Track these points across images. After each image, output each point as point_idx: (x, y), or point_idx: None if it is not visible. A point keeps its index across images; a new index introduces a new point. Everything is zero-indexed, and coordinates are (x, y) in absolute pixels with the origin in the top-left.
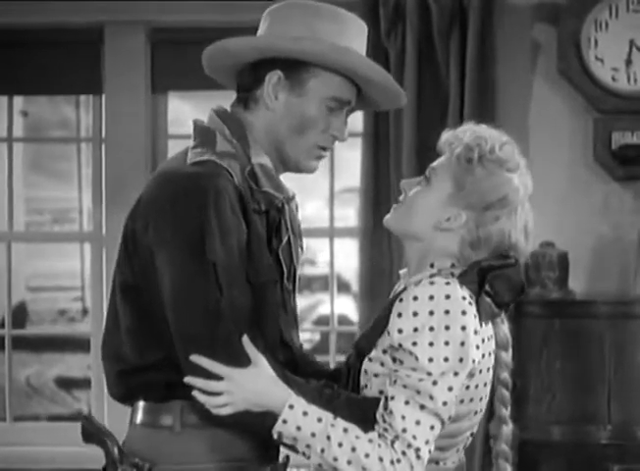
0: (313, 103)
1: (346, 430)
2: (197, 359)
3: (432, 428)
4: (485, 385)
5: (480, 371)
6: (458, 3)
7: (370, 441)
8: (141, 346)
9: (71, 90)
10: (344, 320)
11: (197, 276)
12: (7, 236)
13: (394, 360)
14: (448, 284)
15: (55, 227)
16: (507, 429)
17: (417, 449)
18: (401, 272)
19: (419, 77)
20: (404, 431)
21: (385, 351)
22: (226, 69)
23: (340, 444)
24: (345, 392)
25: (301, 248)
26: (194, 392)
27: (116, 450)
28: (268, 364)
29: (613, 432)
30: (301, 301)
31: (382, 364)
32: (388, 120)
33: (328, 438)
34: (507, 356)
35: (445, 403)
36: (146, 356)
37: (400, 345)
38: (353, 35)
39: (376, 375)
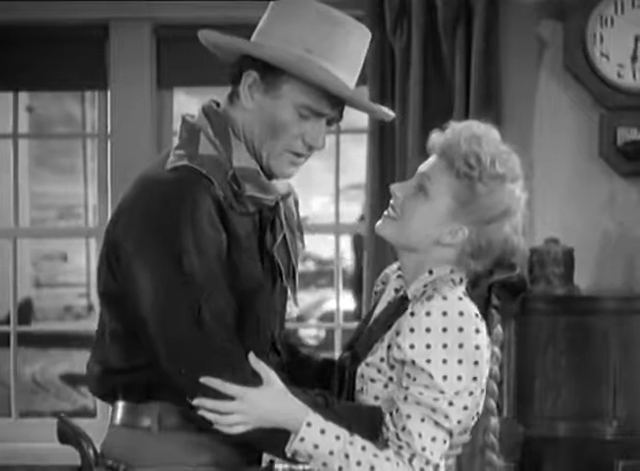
0: (286, 107)
1: (364, 448)
2: (207, 381)
3: (444, 442)
4: (482, 391)
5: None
6: None
7: (388, 459)
8: (126, 350)
9: (76, 86)
10: (349, 316)
11: (179, 289)
12: (13, 232)
13: (406, 375)
14: (460, 299)
15: (60, 222)
16: (495, 420)
17: (436, 466)
18: (388, 270)
19: (425, 72)
20: (424, 449)
21: (382, 359)
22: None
23: (358, 463)
24: (337, 401)
25: (302, 243)
26: (203, 412)
27: (91, 452)
28: (280, 380)
29: (618, 428)
30: (307, 297)
31: (379, 371)
32: None
33: (346, 456)
34: (498, 350)
35: (459, 422)
36: (131, 360)
37: (414, 362)
38: (347, 43)
39: (372, 380)
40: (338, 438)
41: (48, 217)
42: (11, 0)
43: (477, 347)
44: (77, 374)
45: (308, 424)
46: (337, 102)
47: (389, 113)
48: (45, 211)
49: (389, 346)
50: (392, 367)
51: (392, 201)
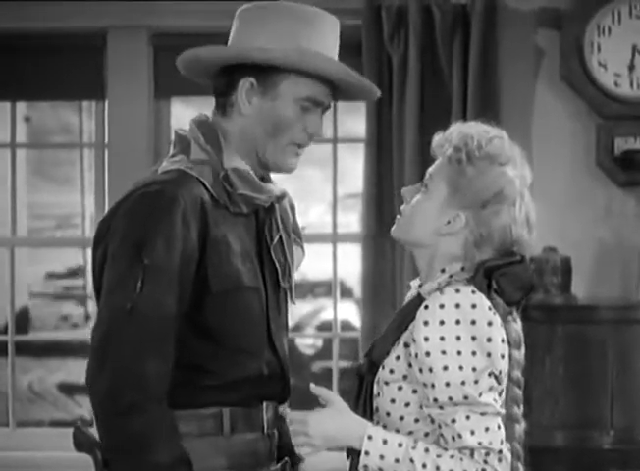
0: (287, 105)
1: (427, 450)
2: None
3: (499, 427)
4: (502, 390)
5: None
6: (461, 8)
7: (452, 456)
8: None
9: (73, 96)
10: (346, 325)
11: (125, 274)
12: (10, 242)
13: (424, 385)
14: (473, 292)
15: (58, 232)
16: (520, 428)
17: (499, 452)
18: (412, 282)
19: (422, 82)
20: (480, 443)
21: (398, 357)
22: (200, 73)
23: (424, 466)
24: None
25: (302, 249)
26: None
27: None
28: (340, 399)
29: (615, 437)
30: (304, 307)
31: (391, 371)
32: (390, 126)
33: (411, 460)
34: (520, 355)
35: (495, 400)
36: None
37: (428, 354)
38: (324, 33)
39: (386, 383)
40: (400, 445)
41: (46, 226)
42: (8, 2)
43: (489, 340)
44: (73, 383)
45: (370, 437)
46: (331, 89)
47: (377, 90)
48: (42, 221)
49: (406, 345)
50: (409, 365)
51: (402, 207)
